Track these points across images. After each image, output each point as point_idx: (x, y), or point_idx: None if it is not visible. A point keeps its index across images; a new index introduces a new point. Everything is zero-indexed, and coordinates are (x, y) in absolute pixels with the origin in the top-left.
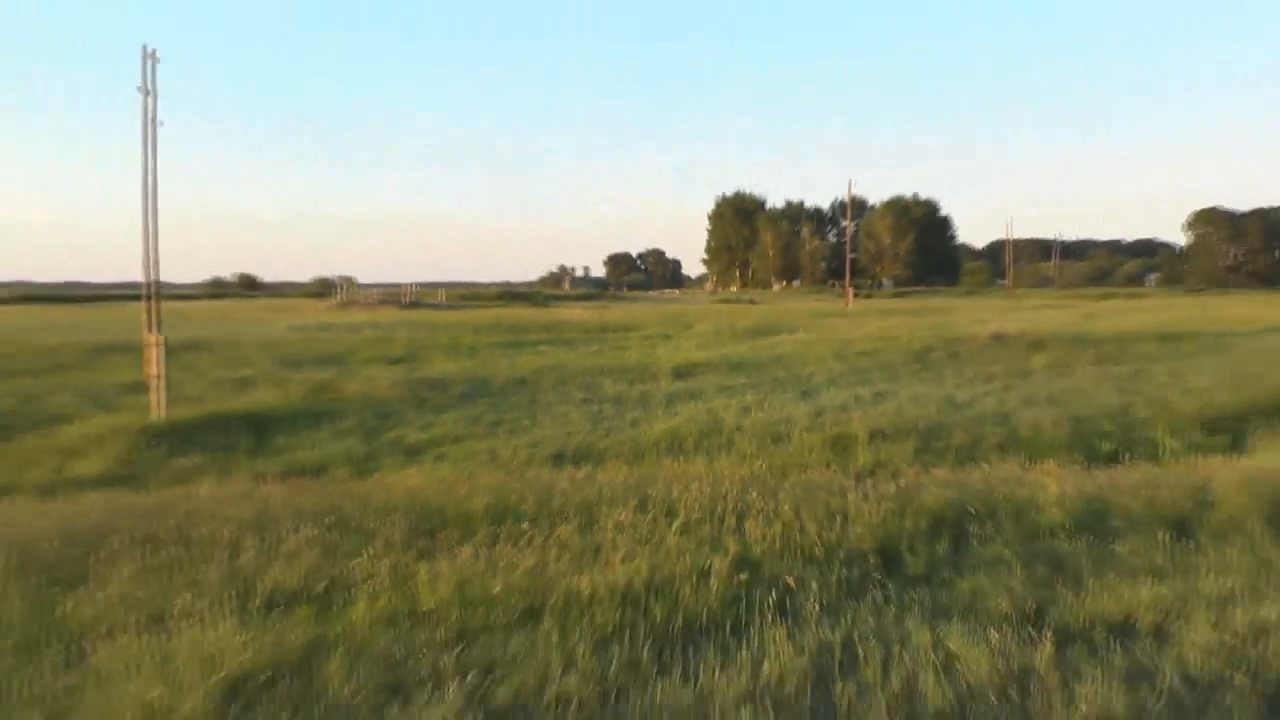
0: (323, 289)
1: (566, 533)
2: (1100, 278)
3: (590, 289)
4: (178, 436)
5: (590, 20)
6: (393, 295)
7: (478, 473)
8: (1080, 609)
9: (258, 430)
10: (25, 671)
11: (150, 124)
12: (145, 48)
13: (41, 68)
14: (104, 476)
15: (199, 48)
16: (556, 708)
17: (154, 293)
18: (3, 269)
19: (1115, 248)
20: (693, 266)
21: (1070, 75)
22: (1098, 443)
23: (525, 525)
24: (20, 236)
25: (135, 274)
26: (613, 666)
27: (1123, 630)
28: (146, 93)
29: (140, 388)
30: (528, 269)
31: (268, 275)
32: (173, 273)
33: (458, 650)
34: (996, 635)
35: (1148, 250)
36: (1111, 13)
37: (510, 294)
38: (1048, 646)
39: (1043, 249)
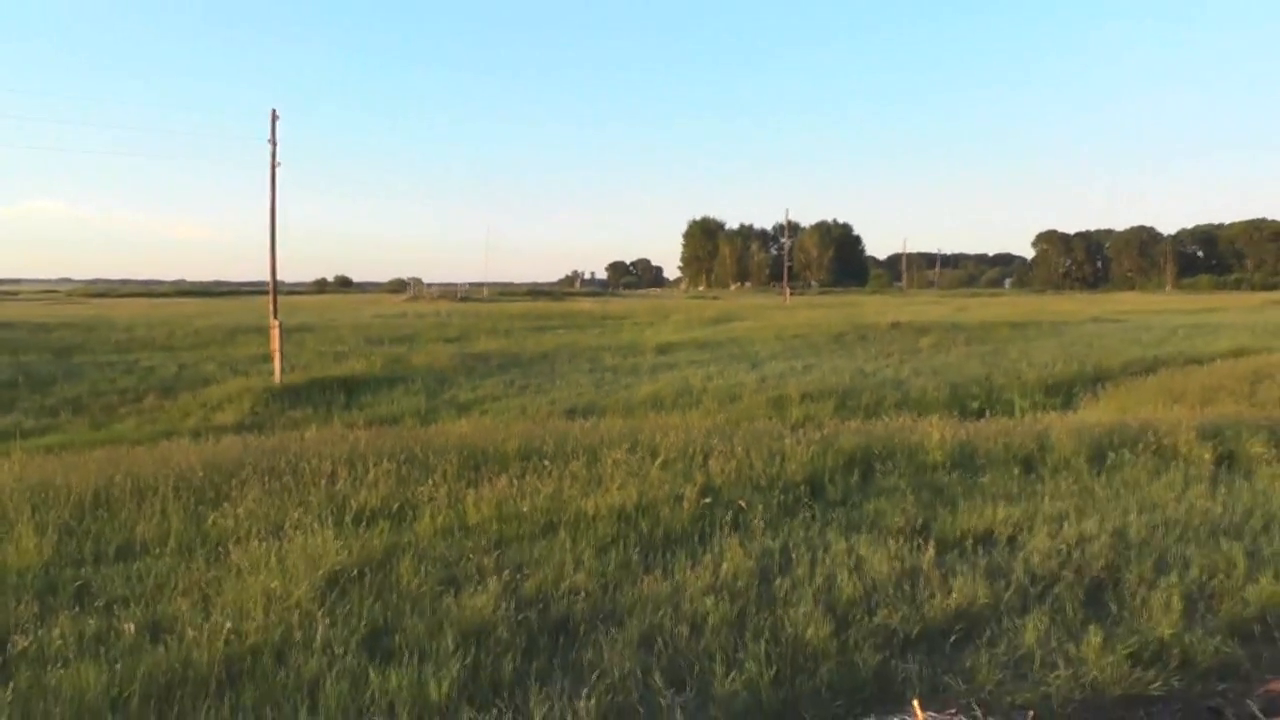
0: (398, 286)
1: (576, 467)
2: (970, 281)
3: (596, 288)
4: (291, 395)
5: (606, 88)
6: (450, 291)
7: (511, 423)
8: (955, 524)
9: (349, 391)
10: (182, 567)
11: (273, 166)
12: (273, 111)
13: (204, 120)
14: (238, 424)
15: (312, 107)
16: (570, 596)
17: (274, 289)
18: (170, 272)
19: (981, 259)
20: (671, 271)
21: (950, 120)
22: (968, 402)
23: (546, 462)
24: (183, 248)
25: (263, 275)
26: (611, 566)
27: (985, 540)
28: (271, 143)
29: (265, 359)
30: (548, 272)
31: (357, 276)
32: (288, 274)
33: (496, 554)
34: (894, 543)
35: (1005, 261)
36: (975, 76)
37: (536, 291)
38: (931, 551)
39: (928, 260)
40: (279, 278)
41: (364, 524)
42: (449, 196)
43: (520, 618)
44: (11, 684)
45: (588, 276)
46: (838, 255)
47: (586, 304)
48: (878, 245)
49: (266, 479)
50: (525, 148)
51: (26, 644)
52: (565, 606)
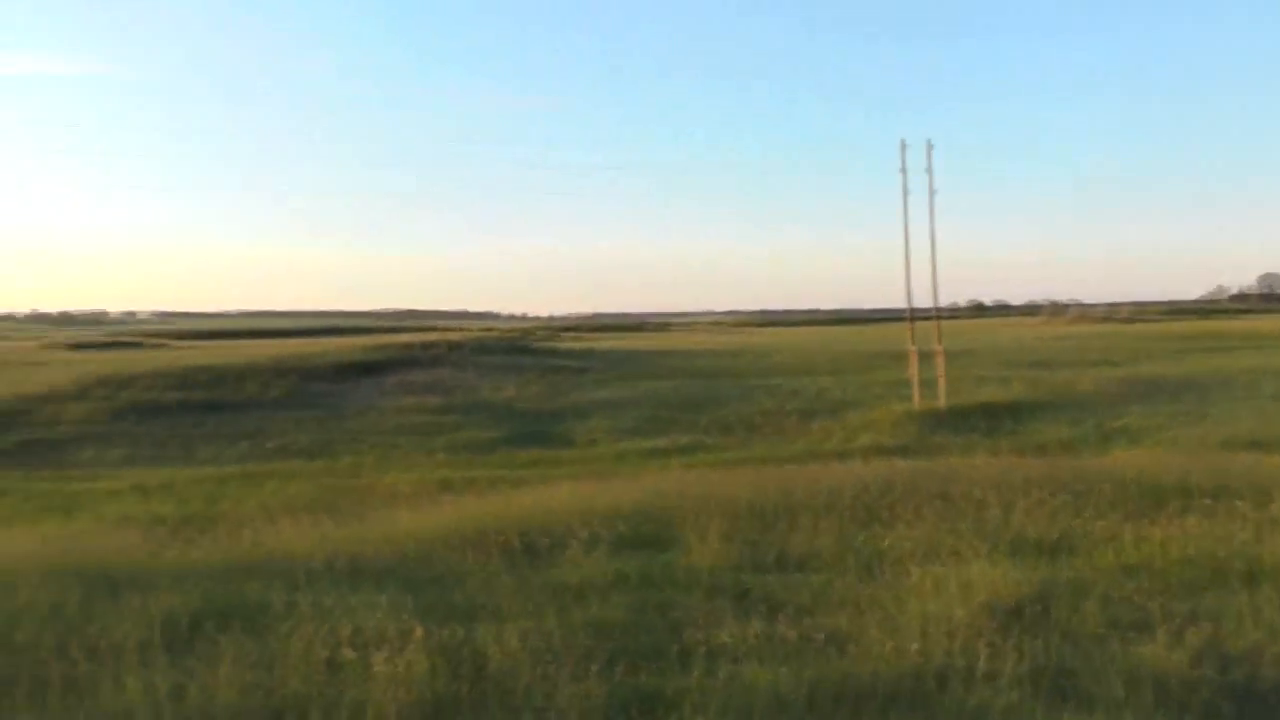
0: (1034, 309)
1: (1243, 508)
2: None
3: (1252, 304)
4: (932, 421)
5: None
6: (1087, 312)
7: (1163, 454)
8: None
9: (992, 416)
10: (838, 582)
11: (905, 195)
12: (928, 141)
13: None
14: (878, 448)
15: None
16: (1253, 655)
17: (935, 316)
18: (828, 300)
19: None
20: None
21: None
22: None
23: (1206, 500)
24: (828, 279)
25: (895, 301)
26: None
27: None
28: (912, 172)
29: (903, 384)
30: (1187, 287)
31: (990, 299)
32: (919, 300)
33: (1160, 600)
34: None
35: None
36: None
37: (1177, 309)
38: None
39: None
40: (920, 304)
41: (1018, 555)
42: (1096, 216)
43: (1196, 672)
44: (715, 673)
45: (1234, 291)
46: None
47: (1237, 323)
48: None
49: (915, 502)
50: (1155, 150)
51: (712, 639)
52: (1249, 667)
